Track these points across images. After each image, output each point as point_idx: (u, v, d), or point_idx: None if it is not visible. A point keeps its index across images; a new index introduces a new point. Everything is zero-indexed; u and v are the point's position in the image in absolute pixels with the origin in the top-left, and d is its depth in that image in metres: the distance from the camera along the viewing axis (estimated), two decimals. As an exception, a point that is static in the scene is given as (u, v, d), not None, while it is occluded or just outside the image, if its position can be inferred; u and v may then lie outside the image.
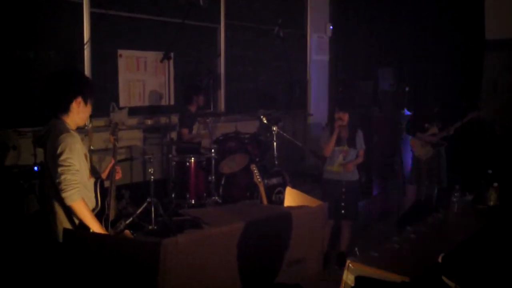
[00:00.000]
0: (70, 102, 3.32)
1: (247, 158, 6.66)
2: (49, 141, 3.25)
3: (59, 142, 3.18)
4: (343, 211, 5.44)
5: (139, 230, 5.91)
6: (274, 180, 6.74)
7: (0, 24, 5.53)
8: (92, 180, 3.46)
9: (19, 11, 5.67)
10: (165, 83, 6.90)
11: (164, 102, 7.07)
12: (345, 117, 5.39)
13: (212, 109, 7.45)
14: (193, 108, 6.89)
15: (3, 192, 4.87)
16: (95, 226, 3.23)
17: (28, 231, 4.72)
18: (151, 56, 7.03)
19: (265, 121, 7.06)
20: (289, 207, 4.02)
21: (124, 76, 6.80)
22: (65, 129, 3.25)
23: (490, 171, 4.72)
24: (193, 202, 6.39)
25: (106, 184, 3.70)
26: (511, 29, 8.46)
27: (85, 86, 3.41)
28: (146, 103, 7.09)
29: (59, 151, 3.16)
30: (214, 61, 8.08)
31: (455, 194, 4.12)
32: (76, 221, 3.26)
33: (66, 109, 3.32)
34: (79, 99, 3.34)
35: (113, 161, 3.86)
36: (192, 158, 6.40)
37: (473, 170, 6.64)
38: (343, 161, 5.46)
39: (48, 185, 3.27)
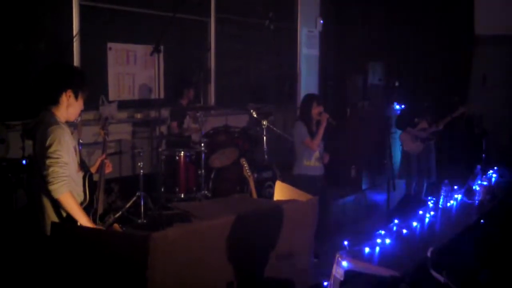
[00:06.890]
0: (60, 94, 3.29)
1: (237, 152, 6.65)
2: (39, 133, 3.22)
3: (49, 134, 3.15)
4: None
5: (129, 224, 5.90)
6: (264, 174, 6.74)
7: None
8: (81, 174, 3.44)
9: (8, 3, 5.60)
10: (155, 77, 6.86)
11: (153, 96, 7.03)
12: (322, 110, 5.58)
13: (202, 103, 7.42)
14: (183, 102, 6.88)
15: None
16: (82, 219, 3.21)
17: (17, 225, 4.69)
18: (141, 50, 6.99)
19: (255, 115, 7.05)
20: (279, 201, 4.02)
21: (113, 70, 6.75)
22: (54, 121, 3.23)
23: (479, 166, 4.76)
24: (182, 196, 6.39)
25: (95, 178, 3.68)
26: (500, 25, 8.50)
27: (76, 80, 3.37)
28: (136, 97, 7.05)
29: (48, 143, 3.13)
30: (204, 55, 8.05)
31: (444, 189, 4.14)
32: (64, 215, 3.24)
33: (55, 101, 3.29)
34: (69, 92, 3.31)
35: (103, 155, 3.85)
36: (182, 152, 6.39)
37: (462, 165, 6.67)
38: (318, 155, 5.57)
39: (36, 178, 3.25)
